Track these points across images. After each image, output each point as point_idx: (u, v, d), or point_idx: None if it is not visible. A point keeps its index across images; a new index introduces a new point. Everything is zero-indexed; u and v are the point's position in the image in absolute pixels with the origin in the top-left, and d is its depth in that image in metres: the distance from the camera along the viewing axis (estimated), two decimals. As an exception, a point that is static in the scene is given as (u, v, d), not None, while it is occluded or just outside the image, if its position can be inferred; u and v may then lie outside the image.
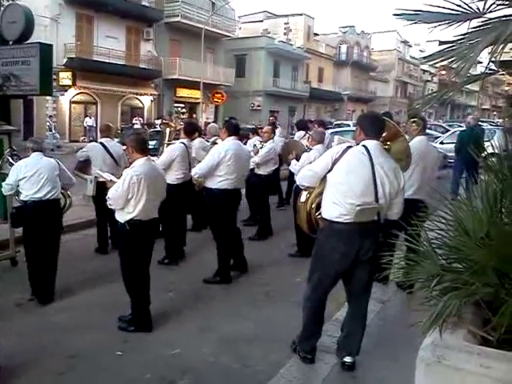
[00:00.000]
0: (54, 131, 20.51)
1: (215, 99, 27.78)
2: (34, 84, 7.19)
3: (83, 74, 22.38)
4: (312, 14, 42.23)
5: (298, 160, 6.20)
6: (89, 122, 22.74)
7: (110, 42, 24.14)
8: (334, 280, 3.33)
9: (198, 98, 27.87)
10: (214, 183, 5.15)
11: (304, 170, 3.45)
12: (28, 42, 7.47)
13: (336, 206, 3.14)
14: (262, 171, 7.39)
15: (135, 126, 23.95)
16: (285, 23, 40.44)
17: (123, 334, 4.02)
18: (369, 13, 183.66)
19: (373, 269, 3.27)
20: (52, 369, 3.47)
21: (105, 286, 5.09)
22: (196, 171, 5.27)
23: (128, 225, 3.92)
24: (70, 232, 7.08)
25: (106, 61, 23.56)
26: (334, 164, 3.16)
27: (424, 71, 63.19)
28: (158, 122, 23.61)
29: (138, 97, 26.66)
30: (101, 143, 6.34)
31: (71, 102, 23.70)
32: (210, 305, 4.72)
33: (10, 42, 7.48)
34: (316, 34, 43.93)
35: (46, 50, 7.28)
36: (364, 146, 3.14)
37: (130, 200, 3.88)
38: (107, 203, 4.02)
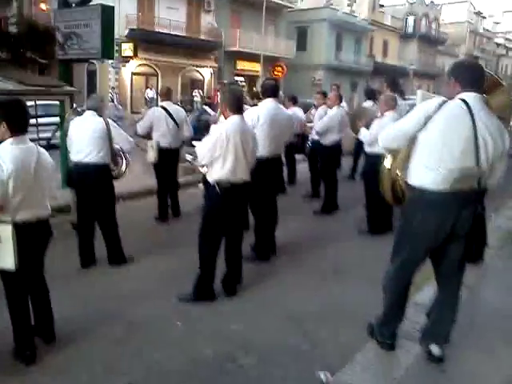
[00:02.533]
0: (116, 102, 20.79)
1: (275, 72, 27.11)
2: (96, 47, 7.03)
3: (144, 46, 22.43)
4: (378, -16, 40.17)
5: (367, 128, 5.70)
6: (150, 93, 22.83)
7: (171, 13, 23.98)
8: (423, 258, 2.88)
9: (257, 71, 27.33)
10: None
11: (389, 129, 2.97)
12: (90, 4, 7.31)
13: (428, 171, 2.67)
14: (325, 140, 6.91)
15: (195, 99, 23.94)
16: (349, -6, 38.69)
17: (185, 304, 3.79)
18: None
19: (469, 245, 2.79)
20: (110, 335, 3.30)
21: (165, 256, 4.91)
22: None
23: (218, 186, 3.70)
24: (131, 199, 7.01)
25: (167, 32, 23.47)
26: (426, 121, 2.68)
27: (498, 45, 59.06)
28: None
29: (198, 69, 26.52)
30: (162, 107, 6.09)
31: (133, 74, 23.89)
32: (274, 279, 4.40)
33: (73, 5, 7.34)
34: (381, 6, 41.87)
35: (107, 12, 7.06)
36: (462, 99, 2.62)
37: (218, 158, 3.65)
38: (198, 160, 3.81)
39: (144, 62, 23.63)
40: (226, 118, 3.82)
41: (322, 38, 34.51)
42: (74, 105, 5.36)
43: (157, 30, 23.36)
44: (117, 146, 4.56)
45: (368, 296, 4.02)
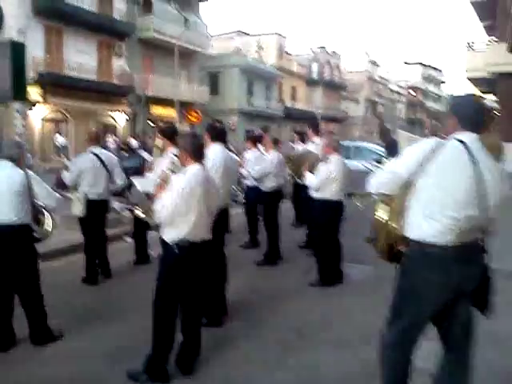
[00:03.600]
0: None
1: (190, 118, 26.95)
2: (6, 88, 6.20)
3: (54, 90, 21.16)
4: (284, 34, 42.23)
5: (312, 172, 5.46)
6: (59, 139, 21.39)
7: (81, 57, 23.02)
8: (427, 321, 2.53)
9: (173, 117, 26.93)
10: None
11: (380, 174, 2.66)
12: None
13: (430, 221, 2.36)
14: (264, 186, 6.57)
15: (109, 145, 22.74)
16: (257, 41, 40.19)
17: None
18: (339, 33, 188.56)
19: (476, 297, 2.50)
20: None
21: (101, 328, 4.15)
22: None
23: (177, 246, 3.22)
24: (52, 258, 6.09)
25: (78, 76, 22.42)
26: (424, 164, 2.38)
27: (392, 91, 64.28)
28: (134, 141, 22.43)
29: (111, 114, 25.53)
30: (92, 153, 5.40)
31: (43, 120, 22.33)
32: (233, 350, 3.83)
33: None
34: (288, 54, 43.93)
35: (18, 49, 6.31)
36: (459, 140, 2.38)
37: (178, 213, 3.19)
38: (156, 217, 3.31)
39: (54, 107, 22.23)
40: (184, 166, 3.38)
41: (234, 83, 35.20)
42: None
43: (66, 73, 22.22)
44: (39, 202, 3.82)
45: (344, 361, 3.61)
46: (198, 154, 3.35)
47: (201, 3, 32.02)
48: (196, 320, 3.48)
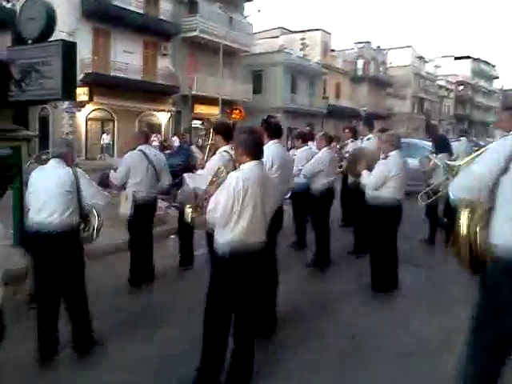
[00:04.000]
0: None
1: (233, 116, 26.98)
2: (56, 87, 6.23)
3: (100, 90, 21.65)
4: (328, 30, 41.61)
5: (369, 171, 5.15)
6: (106, 139, 21.91)
7: (127, 57, 23.45)
8: None
9: (216, 115, 27.01)
10: None
11: (460, 178, 2.39)
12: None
13: None
14: (315, 185, 6.30)
15: (153, 143, 23.12)
16: (301, 38, 39.76)
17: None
18: (384, 28, 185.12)
19: None
20: None
21: (149, 334, 4.01)
22: None
23: (229, 250, 3.01)
24: (94, 259, 6.06)
25: (123, 76, 22.85)
26: (508, 162, 2.11)
27: (440, 86, 62.18)
28: (175, 139, 22.77)
29: (155, 113, 25.89)
30: (140, 150, 5.31)
31: (87, 119, 22.94)
32: (287, 363, 3.60)
33: (29, 41, 6.57)
34: (332, 50, 43.24)
35: (69, 49, 6.33)
36: None
37: (232, 213, 2.96)
38: (207, 217, 3.10)
39: (100, 106, 22.79)
40: (240, 164, 3.16)
41: (278, 81, 34.93)
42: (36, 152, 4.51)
43: (113, 74, 22.69)
44: (87, 202, 3.73)
45: (414, 378, 3.33)
46: (255, 151, 3.11)
47: (246, 3, 31.93)
48: (250, 331, 3.25)
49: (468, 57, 68.63)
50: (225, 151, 4.52)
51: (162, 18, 25.13)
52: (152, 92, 24.48)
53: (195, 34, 26.46)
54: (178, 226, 6.27)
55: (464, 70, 66.68)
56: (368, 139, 6.47)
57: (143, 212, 5.26)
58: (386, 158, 4.99)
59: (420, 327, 4.17)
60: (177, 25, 25.77)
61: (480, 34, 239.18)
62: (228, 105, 27.67)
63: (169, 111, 26.26)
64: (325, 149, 6.39)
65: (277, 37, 40.32)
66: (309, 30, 40.13)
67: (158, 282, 5.49)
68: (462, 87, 64.01)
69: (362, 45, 46.66)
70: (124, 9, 22.60)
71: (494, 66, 75.43)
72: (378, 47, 48.59)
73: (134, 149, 5.40)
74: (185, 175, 4.55)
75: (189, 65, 27.48)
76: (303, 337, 4.03)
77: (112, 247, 6.33)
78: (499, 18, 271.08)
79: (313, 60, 38.38)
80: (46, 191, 3.57)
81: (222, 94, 26.40)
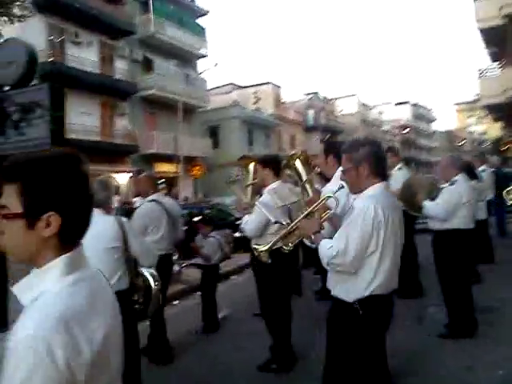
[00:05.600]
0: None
1: (194, 172, 26.46)
2: (44, 135, 5.34)
3: (57, 153, 20.45)
4: (278, 83, 42.63)
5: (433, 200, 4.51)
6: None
7: (84, 118, 22.54)
8: None
9: (176, 172, 26.29)
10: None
11: None
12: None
13: None
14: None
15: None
16: (253, 92, 40.40)
17: None
18: (329, 79, 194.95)
19: None
20: None
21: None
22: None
23: (360, 305, 2.29)
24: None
25: (80, 138, 21.83)
26: None
27: (385, 131, 64.72)
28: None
29: (114, 175, 24.76)
30: (154, 200, 4.46)
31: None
32: None
33: (6, 88, 5.69)
34: (283, 102, 44.19)
35: (57, 92, 5.51)
36: None
37: (371, 254, 2.27)
38: (329, 266, 2.39)
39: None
40: (364, 187, 2.43)
41: (234, 134, 34.95)
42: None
43: (70, 136, 21.60)
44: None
45: None
46: (384, 169, 2.47)
47: (199, 60, 32.16)
48: None
49: (407, 102, 72.41)
50: (274, 188, 3.87)
51: (117, 77, 24.59)
52: (110, 153, 23.51)
53: (152, 91, 26.04)
54: (201, 285, 5.38)
55: (405, 114, 70.10)
56: (399, 169, 5.87)
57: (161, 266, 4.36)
58: (452, 183, 4.37)
59: None
60: (133, 84, 25.29)
61: (415, 80, 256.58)
62: (188, 161, 27.11)
63: (129, 171, 25.22)
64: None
65: (229, 92, 40.79)
66: (259, 84, 40.91)
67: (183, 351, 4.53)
68: (406, 130, 67.00)
69: (310, 96, 48.08)
70: (80, 70, 21.93)
71: (430, 110, 79.93)
72: (325, 98, 50.23)
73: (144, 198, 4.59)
74: (244, 218, 3.81)
75: (148, 123, 26.85)
76: None
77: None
78: (432, 65, 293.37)
79: (266, 112, 38.90)
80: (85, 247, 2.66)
81: (182, 151, 25.82)
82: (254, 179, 4.23)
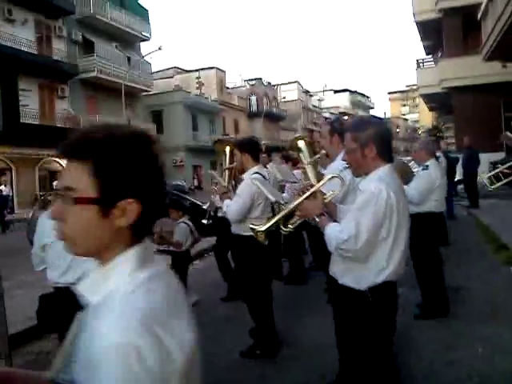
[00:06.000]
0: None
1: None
2: None
3: (-7, 138, 19.46)
4: (222, 68, 42.40)
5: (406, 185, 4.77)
6: (4, 190, 19.52)
7: (22, 100, 21.45)
8: None
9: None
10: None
11: None
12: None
13: None
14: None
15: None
16: (196, 77, 39.99)
17: None
18: (273, 64, 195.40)
19: None
20: None
21: None
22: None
23: (370, 292, 2.21)
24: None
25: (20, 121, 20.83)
26: None
27: (326, 118, 66.25)
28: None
29: (57, 159, 23.83)
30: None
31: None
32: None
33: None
34: (227, 88, 44.09)
35: (8, 70, 5.34)
36: None
37: (383, 239, 2.18)
38: (343, 251, 2.25)
39: (-5, 155, 20.41)
40: (369, 169, 2.33)
41: (178, 119, 34.58)
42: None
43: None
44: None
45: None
46: (387, 150, 2.34)
47: (142, 43, 31.36)
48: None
49: (346, 90, 74.35)
50: (256, 173, 3.92)
51: (56, 58, 23.53)
52: (51, 136, 22.54)
53: (94, 74, 25.19)
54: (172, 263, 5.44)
55: (343, 101, 71.96)
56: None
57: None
58: (425, 168, 4.62)
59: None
60: (73, 65, 24.32)
61: (352, 68, 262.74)
62: (133, 146, 26.56)
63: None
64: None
65: (172, 77, 40.13)
66: (203, 69, 40.54)
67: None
68: (346, 117, 68.72)
69: (253, 81, 48.25)
70: (15, 49, 20.77)
71: (368, 97, 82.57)
72: (269, 83, 50.61)
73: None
74: (225, 203, 3.89)
75: (89, 107, 25.96)
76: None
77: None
78: (369, 54, 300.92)
79: (210, 98, 38.71)
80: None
81: (126, 135, 25.26)
82: (230, 163, 4.25)
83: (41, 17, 23.18)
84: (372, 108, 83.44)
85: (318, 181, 2.59)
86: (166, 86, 36.81)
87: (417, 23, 20.69)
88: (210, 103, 38.11)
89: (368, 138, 2.28)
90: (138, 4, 30.76)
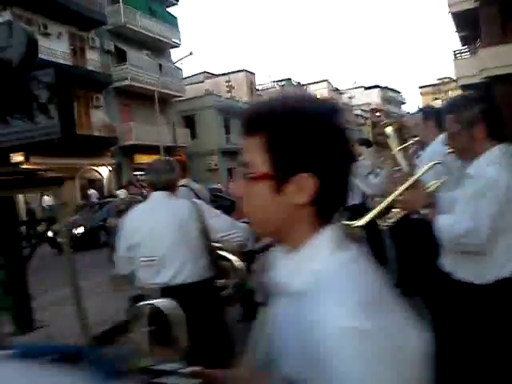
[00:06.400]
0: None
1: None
2: (52, 124, 5.22)
3: (35, 150, 19.94)
4: (251, 70, 42.51)
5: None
6: (47, 201, 20.02)
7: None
8: None
9: (157, 163, 25.96)
10: None
11: None
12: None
13: None
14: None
15: (92, 200, 21.51)
16: (226, 81, 40.19)
17: None
18: (302, 64, 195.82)
19: None
20: None
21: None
22: None
23: (499, 287, 2.00)
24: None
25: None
26: None
27: (357, 115, 65.47)
28: (121, 192, 21.29)
29: (95, 168, 24.37)
30: (183, 185, 4.41)
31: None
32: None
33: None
34: (257, 90, 44.14)
35: (63, 75, 5.37)
36: None
37: (506, 232, 1.99)
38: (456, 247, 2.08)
39: (36, 166, 20.91)
40: (478, 152, 2.08)
41: (211, 123, 34.76)
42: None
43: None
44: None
45: None
46: (501, 129, 2.09)
47: (172, 49, 31.77)
48: None
49: (376, 86, 73.29)
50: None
51: (90, 68, 24.06)
52: (89, 146, 23.09)
53: (127, 82, 25.64)
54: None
55: (374, 98, 70.96)
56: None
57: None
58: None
59: None
60: (107, 75, 24.83)
61: (384, 64, 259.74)
62: (168, 151, 26.84)
63: (109, 164, 24.87)
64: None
65: (202, 81, 40.45)
66: (233, 72, 40.69)
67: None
68: (378, 114, 67.82)
69: (282, 82, 48.17)
70: (51, 62, 21.33)
71: (399, 93, 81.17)
72: (299, 83, 50.42)
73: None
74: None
75: (123, 115, 26.44)
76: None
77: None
78: (402, 49, 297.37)
79: (241, 100, 38.82)
80: (158, 238, 2.57)
81: (161, 142, 25.55)
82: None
83: (74, 29, 23.78)
84: (404, 103, 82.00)
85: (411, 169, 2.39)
86: (196, 91, 37.09)
87: (452, 14, 20.14)
88: (241, 105, 38.22)
89: (475, 116, 2.05)
90: (167, 12, 31.18)
